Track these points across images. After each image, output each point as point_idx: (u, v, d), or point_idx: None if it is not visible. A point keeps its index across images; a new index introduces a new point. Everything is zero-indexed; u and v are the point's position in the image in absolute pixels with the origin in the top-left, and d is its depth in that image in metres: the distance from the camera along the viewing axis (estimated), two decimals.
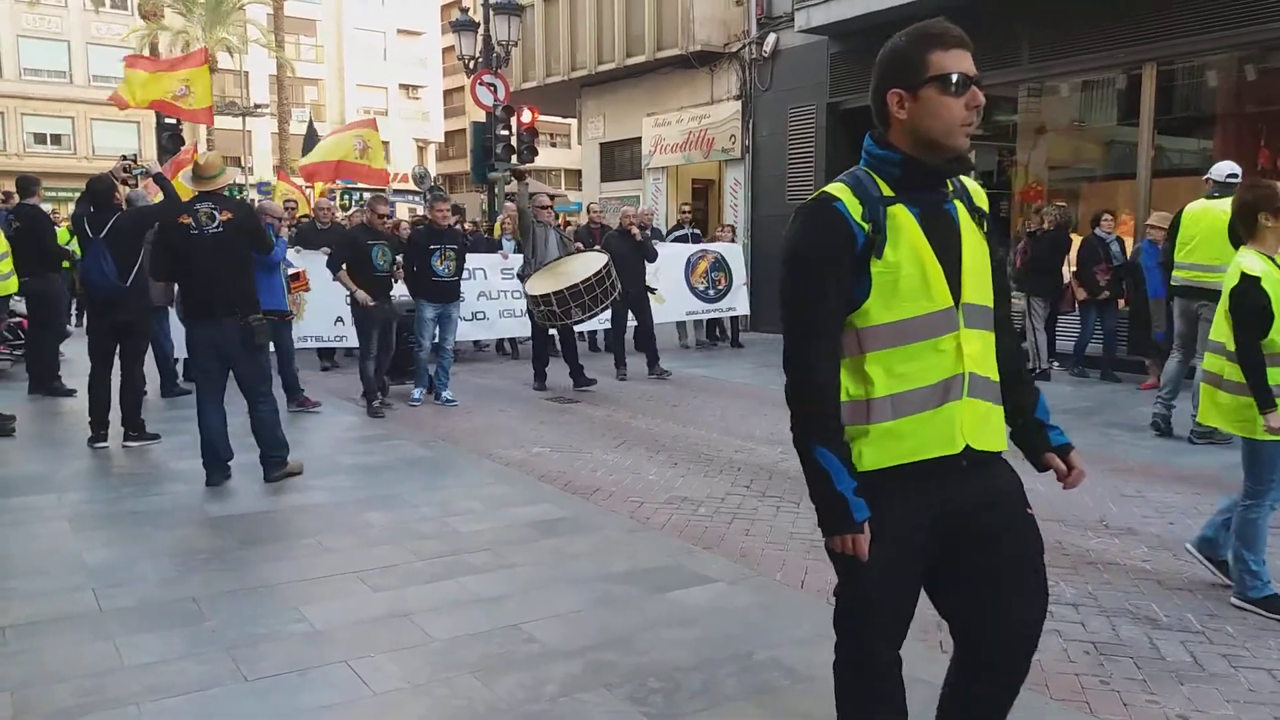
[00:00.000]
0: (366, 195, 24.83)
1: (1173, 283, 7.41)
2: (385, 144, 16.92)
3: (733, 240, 14.04)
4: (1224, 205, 7.14)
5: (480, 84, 15.29)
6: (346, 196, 24.72)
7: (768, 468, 6.51)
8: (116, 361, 7.18)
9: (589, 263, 9.25)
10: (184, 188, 6.59)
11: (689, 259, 13.03)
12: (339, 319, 10.45)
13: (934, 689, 3.25)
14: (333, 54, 49.22)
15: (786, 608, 4.03)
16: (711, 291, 13.34)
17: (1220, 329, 3.99)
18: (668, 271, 12.34)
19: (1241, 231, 4.10)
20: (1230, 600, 4.06)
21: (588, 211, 12.05)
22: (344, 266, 8.16)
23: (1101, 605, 4.10)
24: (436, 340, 8.96)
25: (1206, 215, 7.17)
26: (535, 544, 4.85)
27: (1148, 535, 5.06)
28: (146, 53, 34.92)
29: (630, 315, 10.56)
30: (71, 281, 10.74)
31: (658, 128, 17.51)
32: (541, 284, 9.15)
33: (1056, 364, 10.53)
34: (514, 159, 15.77)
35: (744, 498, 5.79)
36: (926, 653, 3.61)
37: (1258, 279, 3.79)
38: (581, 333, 12.30)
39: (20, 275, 8.72)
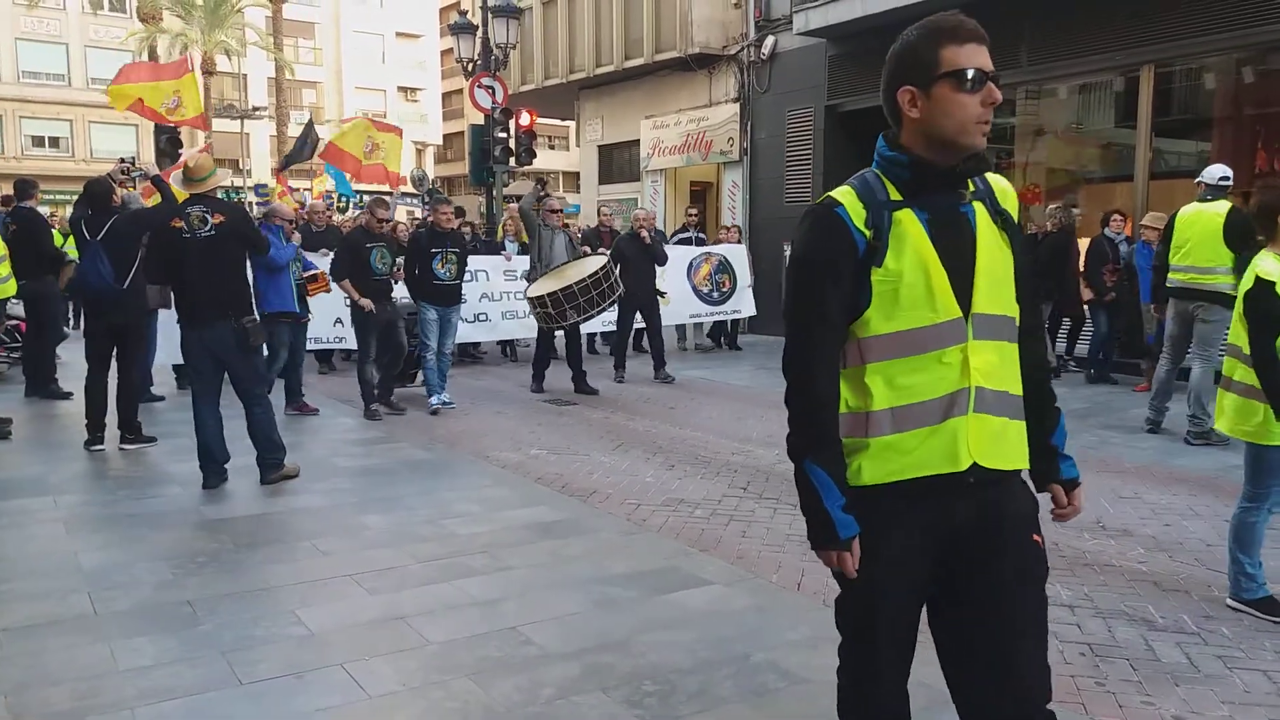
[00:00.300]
0: (366, 199, 24.83)
1: (1168, 284, 7.43)
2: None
3: (738, 241, 13.88)
4: (1217, 208, 7.18)
5: (479, 86, 15.28)
6: (344, 198, 24.69)
7: (765, 470, 6.51)
8: (113, 364, 7.17)
9: (588, 265, 9.24)
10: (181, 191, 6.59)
11: (691, 262, 12.93)
12: (338, 320, 10.44)
13: (932, 691, 3.25)
14: (331, 56, 49.26)
15: (783, 610, 4.03)
16: (715, 294, 13.22)
17: (1236, 332, 3.99)
18: (669, 274, 12.30)
19: (1262, 233, 4.09)
20: (1226, 602, 4.06)
21: (598, 214, 12.01)
22: (345, 280, 8.17)
23: (1097, 607, 4.10)
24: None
25: (1200, 218, 7.20)
26: (532, 546, 4.84)
27: (1144, 537, 5.06)
28: (145, 56, 34.98)
29: (638, 318, 10.50)
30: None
31: (656, 130, 17.52)
32: (541, 286, 9.14)
33: (1073, 364, 10.58)
34: (512, 161, 15.77)
35: (741, 500, 5.79)
36: (923, 653, 3.60)
37: (1272, 284, 3.78)
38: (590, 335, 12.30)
39: (17, 278, 8.71)
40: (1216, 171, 7.31)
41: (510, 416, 8.52)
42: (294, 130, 36.53)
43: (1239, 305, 3.95)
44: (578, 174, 20.17)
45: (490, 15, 15.42)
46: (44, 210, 10.42)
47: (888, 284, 1.92)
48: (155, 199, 7.01)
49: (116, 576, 4.41)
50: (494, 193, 15.74)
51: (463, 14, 16.79)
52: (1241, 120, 11.08)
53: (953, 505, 1.96)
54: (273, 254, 7.90)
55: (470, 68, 15.93)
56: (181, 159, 12.27)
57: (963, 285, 1.92)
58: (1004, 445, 1.98)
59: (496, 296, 11.77)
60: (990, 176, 2.06)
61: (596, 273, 8.94)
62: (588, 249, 10.24)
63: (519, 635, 3.73)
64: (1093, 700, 3.27)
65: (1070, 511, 2.17)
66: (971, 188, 2.00)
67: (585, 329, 10.63)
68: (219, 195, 6.37)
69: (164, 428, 7.58)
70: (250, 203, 21.27)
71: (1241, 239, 6.90)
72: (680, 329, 13.54)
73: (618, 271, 9.46)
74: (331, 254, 9.07)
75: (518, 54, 18.06)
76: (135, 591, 4.22)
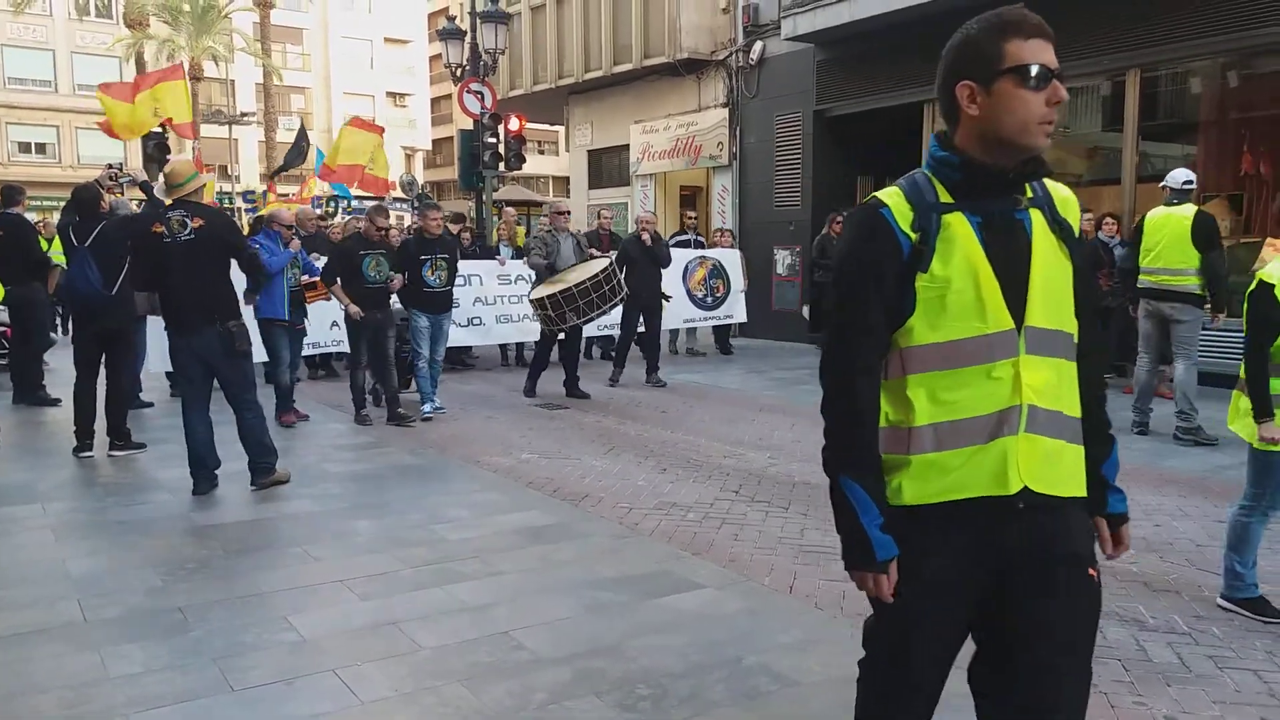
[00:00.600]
0: (353, 205, 24.71)
1: (1140, 285, 7.59)
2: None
3: (732, 246, 13.84)
4: (1184, 211, 7.35)
5: (467, 92, 15.28)
6: (332, 204, 24.65)
7: (756, 473, 6.51)
8: (102, 371, 7.14)
9: (590, 267, 9.17)
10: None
11: (687, 266, 12.84)
12: (334, 324, 10.41)
13: None
14: (319, 62, 49.19)
15: (775, 613, 4.03)
16: (710, 299, 13.18)
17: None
18: (666, 277, 12.20)
19: (1211, 247, 4.14)
20: (1216, 600, 4.08)
21: (598, 217, 11.97)
22: (337, 280, 8.11)
23: None
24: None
25: (1169, 221, 7.39)
26: (524, 551, 4.84)
27: (1135, 538, 5.05)
28: (132, 62, 34.85)
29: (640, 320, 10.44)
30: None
31: (645, 135, 17.54)
32: (542, 289, 9.08)
33: None
34: (502, 166, 15.76)
35: (733, 503, 5.79)
36: None
37: (1272, 287, 3.80)
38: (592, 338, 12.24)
39: (3, 284, 8.67)
40: (1180, 176, 7.55)
41: (501, 421, 8.50)
42: (283, 136, 36.52)
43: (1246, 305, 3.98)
44: (567, 179, 20.17)
45: (479, 21, 15.44)
46: (32, 217, 10.32)
47: (934, 291, 1.81)
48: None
49: (106, 583, 4.38)
50: (483, 198, 15.72)
51: (451, 19, 16.77)
52: (1226, 124, 11.15)
53: (1000, 531, 1.83)
54: (265, 260, 7.86)
55: (459, 73, 15.93)
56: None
57: (1016, 296, 1.81)
58: (1058, 469, 1.84)
59: (490, 300, 11.71)
60: (1050, 184, 1.94)
61: (597, 275, 8.87)
62: (594, 251, 10.12)
63: (511, 640, 3.72)
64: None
65: (1117, 550, 2.01)
66: (1029, 193, 1.89)
67: (588, 330, 10.55)
68: (204, 200, 6.34)
69: (153, 434, 7.54)
70: (239, 209, 21.16)
71: (1208, 241, 7.26)
72: (674, 333, 13.49)
73: (623, 274, 9.38)
74: (324, 259, 9.05)
75: (506, 59, 18.08)
76: (125, 598, 4.19)
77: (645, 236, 10.40)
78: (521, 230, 13.48)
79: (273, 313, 8.01)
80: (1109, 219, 10.11)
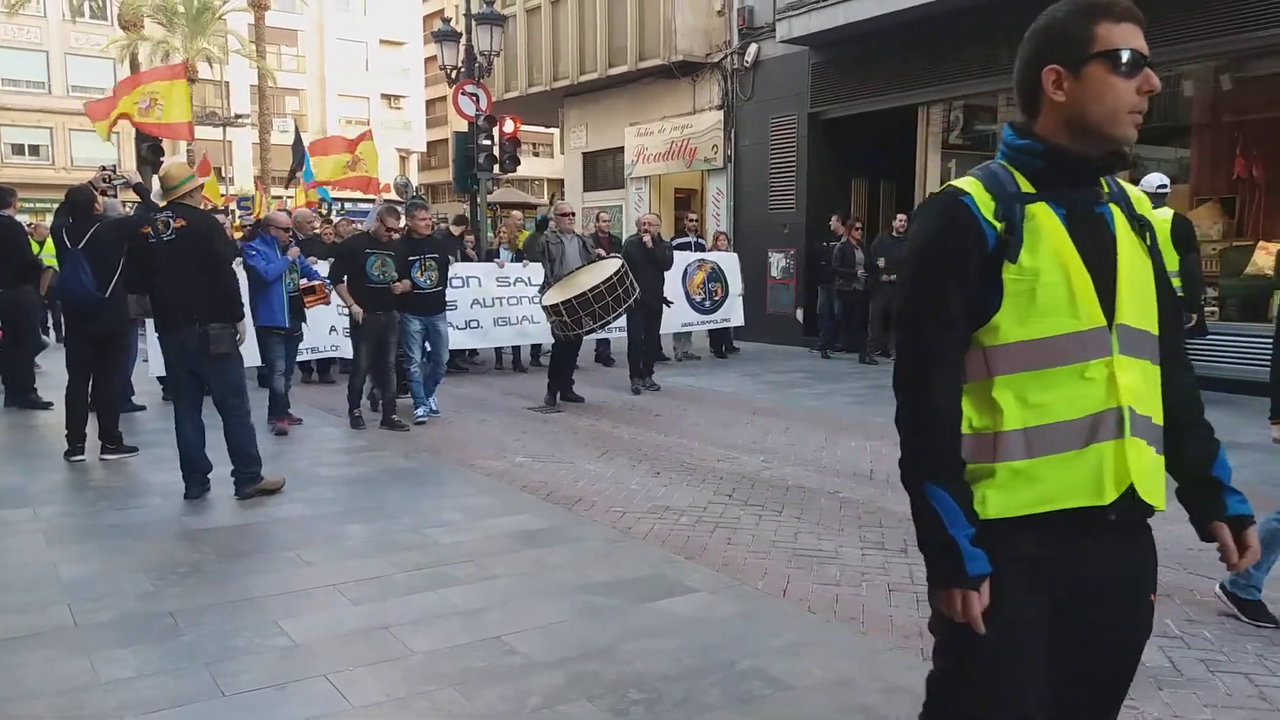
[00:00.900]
0: (345, 208, 24.68)
1: None
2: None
3: (729, 248, 13.73)
4: (1162, 214, 7.45)
5: (462, 94, 15.26)
6: (327, 207, 24.62)
7: (750, 477, 6.51)
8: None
9: (603, 269, 8.99)
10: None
11: (686, 269, 12.73)
12: (333, 329, 10.36)
13: (917, 696, 3.25)
14: (314, 64, 49.13)
15: (768, 617, 4.03)
16: (708, 303, 13.09)
17: None
18: (666, 281, 12.11)
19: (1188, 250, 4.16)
20: (1214, 589, 4.08)
21: (596, 220, 11.91)
22: (344, 280, 8.02)
23: None
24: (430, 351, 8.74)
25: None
26: (516, 555, 4.83)
27: None
28: (126, 64, 34.79)
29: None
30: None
31: (640, 137, 17.55)
32: (555, 294, 8.87)
33: None
34: (496, 168, 15.75)
35: (726, 507, 5.79)
36: (908, 659, 3.61)
37: None
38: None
39: None
40: (1154, 180, 7.71)
41: (494, 424, 8.49)
42: (277, 138, 36.47)
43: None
44: (562, 181, 20.18)
45: (474, 23, 15.41)
46: (24, 219, 10.26)
47: (1023, 284, 1.69)
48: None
49: (97, 588, 4.37)
50: (478, 200, 15.71)
51: (446, 21, 16.74)
52: (1220, 127, 11.19)
53: (1087, 546, 1.72)
54: (261, 267, 7.73)
55: (454, 75, 15.91)
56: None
57: (1105, 292, 1.71)
58: (1159, 479, 1.77)
59: (488, 303, 11.59)
60: (1122, 182, 1.87)
61: (610, 278, 8.69)
62: (601, 252, 10.00)
63: (503, 644, 3.71)
64: None
65: (1249, 557, 1.85)
66: (1106, 188, 1.80)
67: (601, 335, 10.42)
68: (207, 202, 6.31)
69: (145, 437, 7.52)
70: (234, 212, 21.09)
71: (1186, 243, 7.44)
72: (677, 337, 13.28)
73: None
74: (324, 262, 8.92)
75: (501, 61, 18.07)
76: (116, 603, 4.18)
77: (647, 239, 10.33)
78: (525, 234, 13.31)
79: (271, 320, 7.86)
80: None
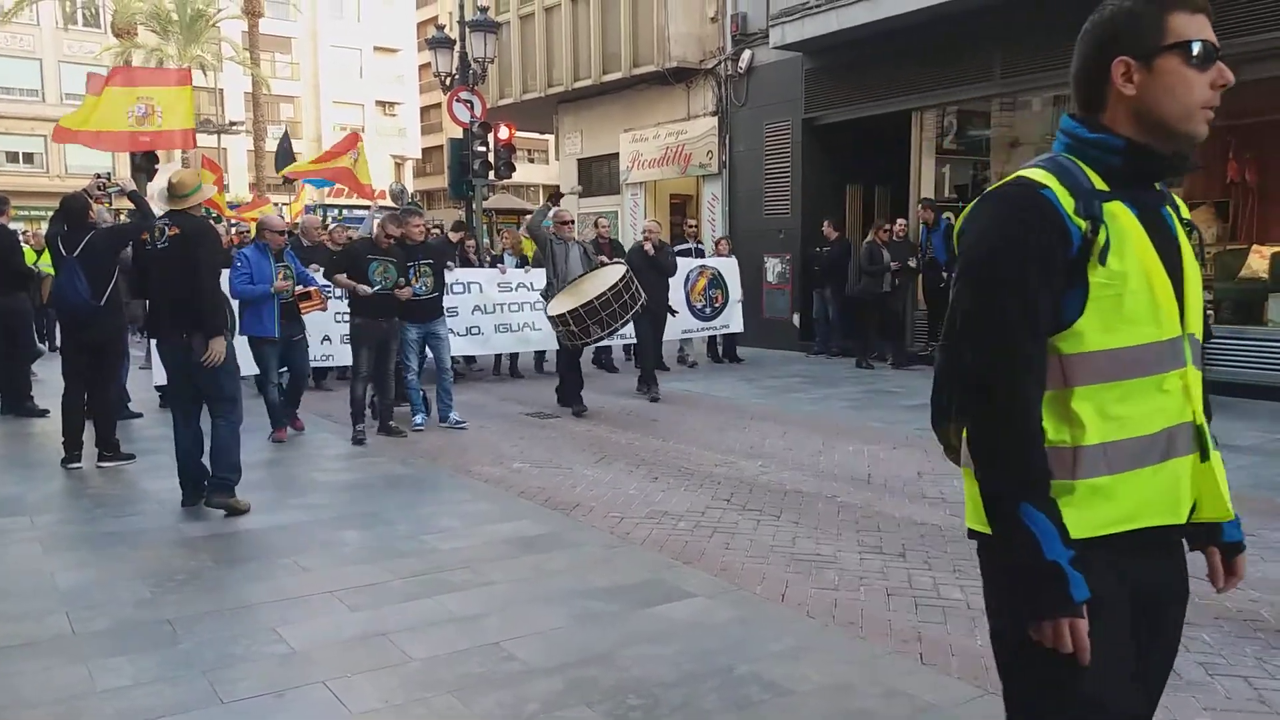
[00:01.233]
0: (343, 214, 24.65)
1: None
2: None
3: (730, 254, 13.55)
4: None
5: (457, 100, 15.27)
6: (323, 212, 24.59)
7: (748, 481, 6.51)
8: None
9: (608, 277, 8.93)
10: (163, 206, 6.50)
11: (688, 275, 12.63)
12: (326, 338, 10.29)
13: (915, 701, 3.26)
14: (309, 71, 49.13)
15: (767, 622, 4.03)
16: (709, 310, 12.99)
17: None
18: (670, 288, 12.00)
19: None
20: None
21: (595, 226, 11.87)
22: (343, 274, 7.89)
23: None
24: (430, 360, 8.65)
25: None
26: (514, 561, 4.82)
27: None
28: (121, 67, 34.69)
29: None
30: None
31: (635, 143, 17.57)
32: (561, 303, 8.80)
33: None
34: (491, 175, 15.75)
35: (724, 512, 5.79)
36: (906, 664, 3.62)
37: None
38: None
39: None
40: None
41: (492, 430, 8.49)
42: (271, 145, 36.37)
43: None
44: (557, 187, 20.18)
45: (468, 30, 15.43)
46: (20, 226, 10.17)
47: (1110, 289, 1.58)
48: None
49: (94, 596, 4.36)
50: (473, 206, 15.72)
51: (440, 28, 16.76)
52: (1213, 131, 11.04)
53: (1157, 566, 1.66)
54: (240, 288, 7.51)
55: (448, 82, 15.93)
56: (158, 180, 11.95)
57: (1178, 299, 1.64)
58: (1221, 495, 1.69)
59: (489, 309, 11.49)
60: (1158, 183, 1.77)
61: (617, 284, 8.64)
62: (604, 259, 9.97)
63: (501, 651, 3.71)
64: None
65: (1230, 582, 1.82)
66: (1157, 189, 1.72)
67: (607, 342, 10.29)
68: (200, 212, 6.24)
69: (142, 445, 7.51)
70: (229, 221, 21.04)
71: None
72: (682, 344, 13.12)
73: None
74: (321, 270, 8.81)
75: (495, 68, 18.09)
76: (113, 611, 4.17)
77: (649, 246, 10.24)
78: (528, 241, 13.16)
79: (260, 330, 7.71)
80: None
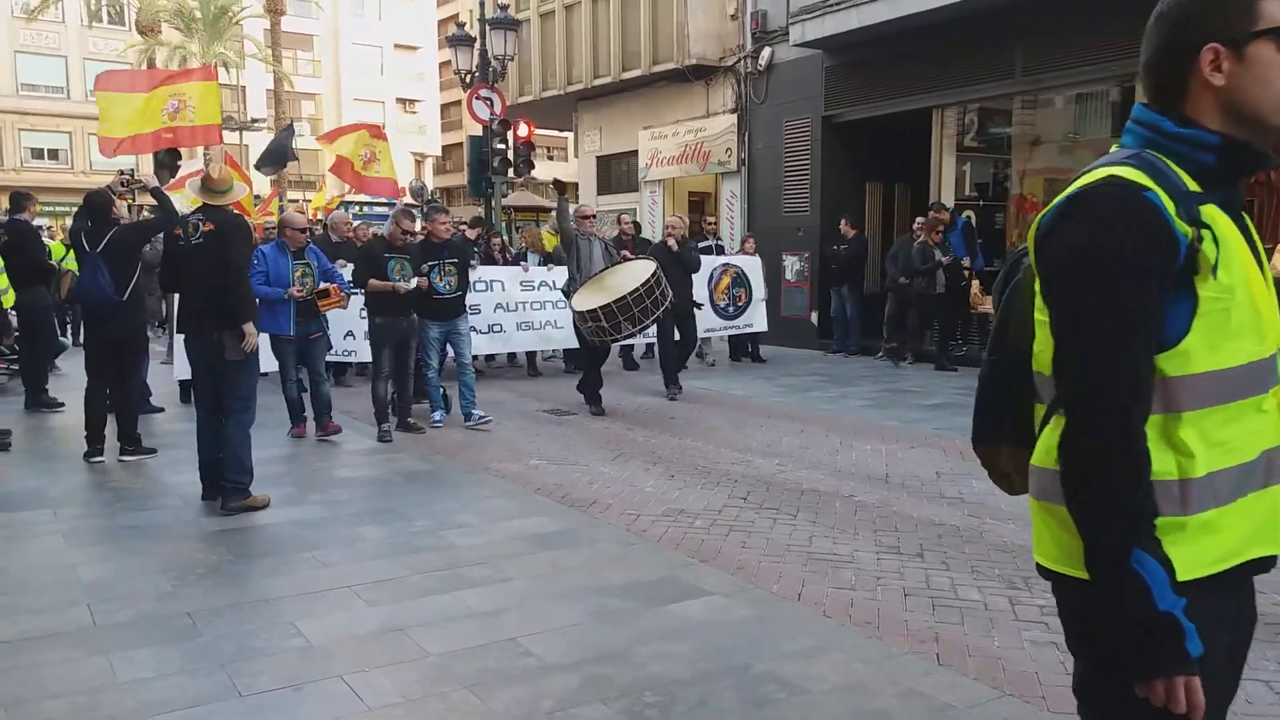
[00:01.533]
0: (364, 210, 24.74)
1: None
2: None
3: (755, 253, 13.40)
4: None
5: (477, 98, 15.33)
6: (343, 208, 24.70)
7: (765, 480, 6.51)
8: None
9: (636, 272, 8.82)
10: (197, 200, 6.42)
11: (711, 274, 12.48)
12: (349, 334, 10.31)
13: (931, 702, 3.25)
14: (330, 68, 49.37)
15: (783, 620, 4.02)
16: (731, 309, 12.86)
17: None
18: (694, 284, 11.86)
19: None
20: None
21: (618, 223, 11.81)
22: (373, 280, 7.84)
23: None
24: (452, 357, 8.61)
25: None
26: (531, 557, 4.84)
27: None
28: (144, 69, 34.98)
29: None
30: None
31: (654, 141, 17.57)
32: (588, 299, 8.69)
33: None
34: (511, 172, 15.80)
35: (741, 510, 5.79)
36: (923, 664, 3.61)
37: None
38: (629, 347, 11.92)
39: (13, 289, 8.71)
40: None
41: (510, 427, 8.51)
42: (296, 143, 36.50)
43: None
44: (576, 184, 20.21)
45: (488, 27, 15.48)
46: (44, 222, 10.24)
47: (1219, 303, 1.43)
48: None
49: (116, 589, 4.40)
50: (493, 204, 15.77)
51: (460, 26, 16.82)
52: None
53: (1246, 597, 1.56)
54: (258, 290, 7.25)
55: (468, 79, 15.98)
56: (180, 174, 11.99)
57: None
58: None
59: (512, 307, 11.43)
60: None
61: (649, 280, 8.53)
62: (627, 254, 9.92)
63: (518, 646, 3.72)
64: None
65: None
66: None
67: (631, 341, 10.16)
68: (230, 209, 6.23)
69: (163, 439, 7.58)
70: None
71: None
72: (703, 341, 12.85)
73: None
74: (350, 266, 8.76)
75: (515, 65, 18.13)
76: (135, 604, 4.21)
77: (672, 241, 10.11)
78: (551, 238, 13.11)
79: (275, 329, 7.68)
80: None
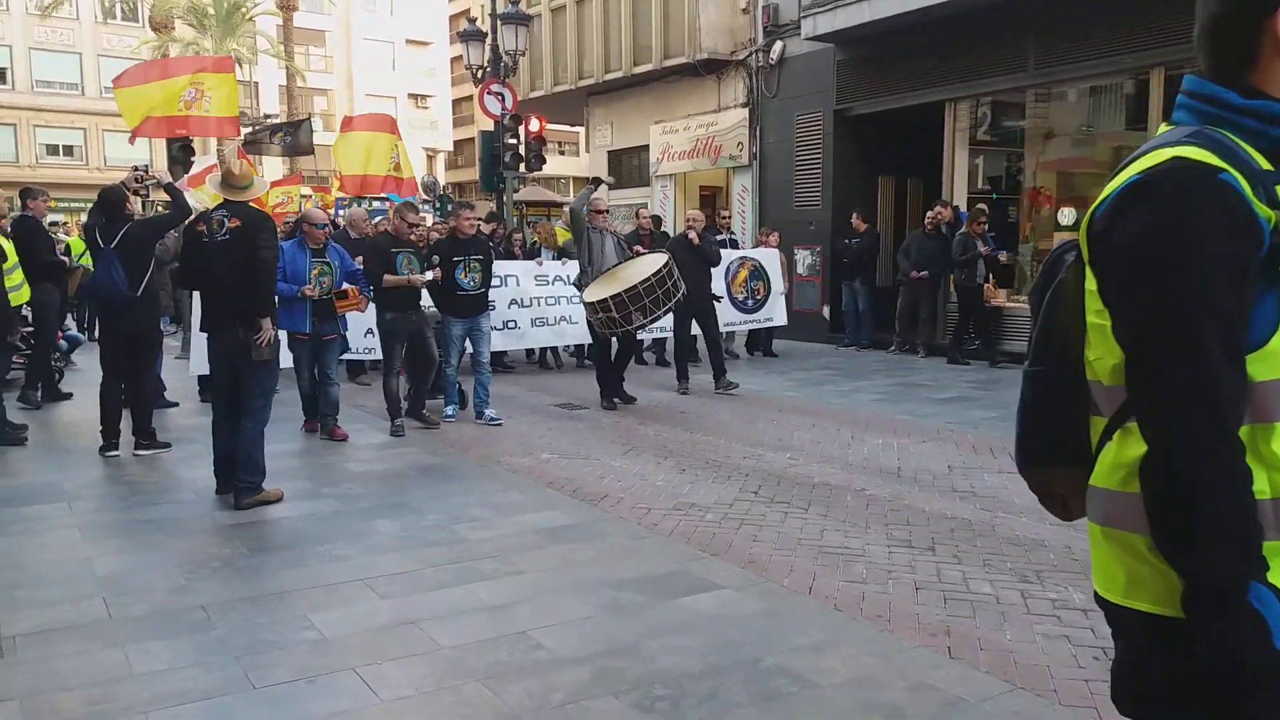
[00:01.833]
0: (373, 205, 24.75)
1: None
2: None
3: (777, 246, 13.21)
4: None
5: (488, 93, 15.34)
6: (356, 203, 24.74)
7: (776, 473, 6.50)
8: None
9: (648, 264, 8.78)
10: (218, 196, 6.40)
11: (729, 267, 12.39)
12: (369, 331, 10.27)
13: (943, 695, 3.25)
14: (342, 64, 49.51)
15: (794, 614, 4.03)
16: (750, 302, 12.74)
17: None
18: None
19: None
20: None
21: (636, 217, 11.74)
22: (388, 275, 7.76)
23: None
24: (470, 354, 8.56)
25: None
26: (543, 551, 4.85)
27: None
28: (159, 59, 35.12)
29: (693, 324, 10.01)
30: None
31: (665, 135, 17.55)
32: (599, 290, 8.68)
33: None
34: (522, 167, 15.81)
35: (752, 504, 5.79)
36: (934, 658, 3.60)
37: None
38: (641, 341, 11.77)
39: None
40: None
41: (521, 421, 8.52)
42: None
43: None
44: (587, 179, 20.22)
45: (499, 22, 15.50)
46: (59, 218, 10.24)
47: None
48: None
49: (131, 582, 4.43)
50: (504, 199, 15.78)
51: (472, 21, 16.85)
52: None
53: None
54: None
55: (480, 74, 16.00)
56: (197, 169, 11.99)
57: None
58: None
59: (527, 303, 11.34)
60: None
61: (660, 271, 8.49)
62: (640, 249, 9.84)
63: (530, 639, 3.73)
64: (1106, 704, 3.23)
65: None
66: None
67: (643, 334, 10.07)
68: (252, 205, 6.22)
69: (178, 433, 7.62)
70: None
71: None
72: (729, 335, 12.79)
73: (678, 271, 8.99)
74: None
75: (527, 60, 18.13)
76: (149, 597, 4.24)
77: (692, 235, 9.94)
78: (564, 232, 13.01)
79: (291, 326, 7.58)
80: None
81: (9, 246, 7.87)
